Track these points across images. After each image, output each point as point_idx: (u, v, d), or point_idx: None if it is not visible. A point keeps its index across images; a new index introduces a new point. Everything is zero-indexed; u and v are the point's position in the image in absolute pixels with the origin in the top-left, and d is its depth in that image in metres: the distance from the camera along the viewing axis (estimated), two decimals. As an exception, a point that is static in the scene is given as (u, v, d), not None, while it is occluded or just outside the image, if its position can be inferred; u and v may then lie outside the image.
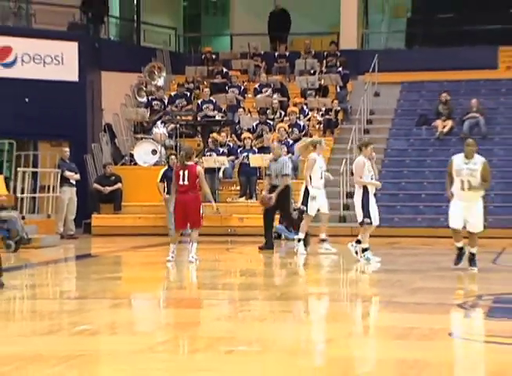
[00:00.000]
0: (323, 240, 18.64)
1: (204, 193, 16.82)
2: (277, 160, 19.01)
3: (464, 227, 14.37)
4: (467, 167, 13.05)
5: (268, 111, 27.39)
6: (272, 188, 18.78)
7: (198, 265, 16.04)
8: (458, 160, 13.27)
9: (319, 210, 18.34)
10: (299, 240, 18.04)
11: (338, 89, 28.65)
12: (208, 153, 25.52)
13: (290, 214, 19.20)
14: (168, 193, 23.23)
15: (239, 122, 27.43)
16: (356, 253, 16.19)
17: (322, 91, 28.60)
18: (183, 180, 16.07)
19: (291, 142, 24.98)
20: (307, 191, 17.88)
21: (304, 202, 17.96)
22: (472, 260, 14.24)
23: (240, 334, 9.52)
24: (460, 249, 14.41)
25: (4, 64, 25.90)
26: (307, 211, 17.90)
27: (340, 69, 29.19)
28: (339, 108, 27.65)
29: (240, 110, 27.91)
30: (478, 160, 13.12)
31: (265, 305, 11.93)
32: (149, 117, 27.43)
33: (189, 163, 16.33)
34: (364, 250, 16.09)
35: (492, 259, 17.18)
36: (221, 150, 25.71)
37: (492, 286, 12.97)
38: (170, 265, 16.08)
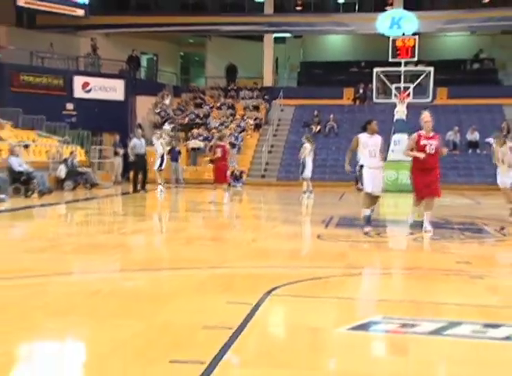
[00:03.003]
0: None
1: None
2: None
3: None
4: (372, 140, 9.24)
5: (225, 117, 27.37)
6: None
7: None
8: (363, 136, 9.31)
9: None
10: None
11: (267, 107, 28.74)
12: (192, 140, 25.49)
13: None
14: (171, 160, 22.99)
15: (209, 123, 27.34)
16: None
17: (255, 108, 28.64)
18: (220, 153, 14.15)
19: (237, 134, 25.07)
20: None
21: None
22: (368, 221, 9.26)
23: (209, 235, 9.55)
24: (370, 216, 9.34)
25: (85, 91, 25.57)
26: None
27: (265, 96, 29.26)
28: (262, 117, 27.82)
29: (210, 117, 27.81)
30: (378, 136, 9.40)
31: (220, 221, 11.94)
32: (160, 120, 27.38)
33: (222, 143, 14.50)
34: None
35: (339, 197, 17.36)
36: (199, 138, 25.70)
37: (339, 211, 13.08)
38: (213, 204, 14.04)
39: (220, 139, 14.53)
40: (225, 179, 14.54)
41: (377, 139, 9.39)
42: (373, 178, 9.22)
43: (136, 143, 18.41)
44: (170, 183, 22.49)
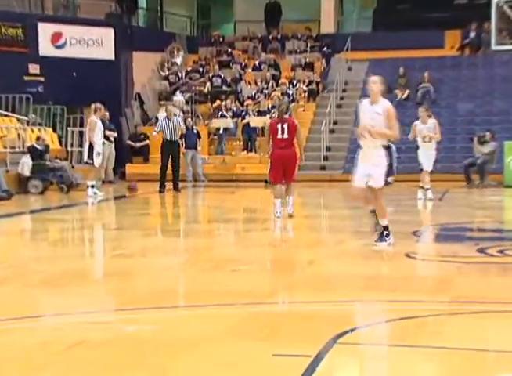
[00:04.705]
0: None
1: (300, 146, 13.37)
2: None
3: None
4: None
5: (265, 82, 27.53)
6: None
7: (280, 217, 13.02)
8: None
9: None
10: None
11: (325, 65, 28.79)
12: (217, 118, 25.75)
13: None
14: (186, 147, 23.30)
15: (241, 91, 27.52)
16: None
17: (308, 66, 28.68)
18: (282, 134, 12.65)
19: (283, 107, 25.26)
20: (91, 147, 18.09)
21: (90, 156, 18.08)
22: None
23: (245, 256, 9.60)
24: None
25: (56, 46, 26.04)
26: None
27: (324, 49, 29.30)
28: (319, 80, 27.87)
29: (242, 82, 28.00)
30: None
31: (262, 235, 11.99)
32: (169, 88, 27.72)
33: (286, 116, 13.20)
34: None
35: (439, 197, 17.25)
36: (228, 113, 25.91)
37: (439, 217, 13.00)
38: (279, 221, 12.85)
39: (282, 111, 13.08)
40: (293, 178, 13.25)
41: None
42: None
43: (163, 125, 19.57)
44: (186, 181, 22.69)
